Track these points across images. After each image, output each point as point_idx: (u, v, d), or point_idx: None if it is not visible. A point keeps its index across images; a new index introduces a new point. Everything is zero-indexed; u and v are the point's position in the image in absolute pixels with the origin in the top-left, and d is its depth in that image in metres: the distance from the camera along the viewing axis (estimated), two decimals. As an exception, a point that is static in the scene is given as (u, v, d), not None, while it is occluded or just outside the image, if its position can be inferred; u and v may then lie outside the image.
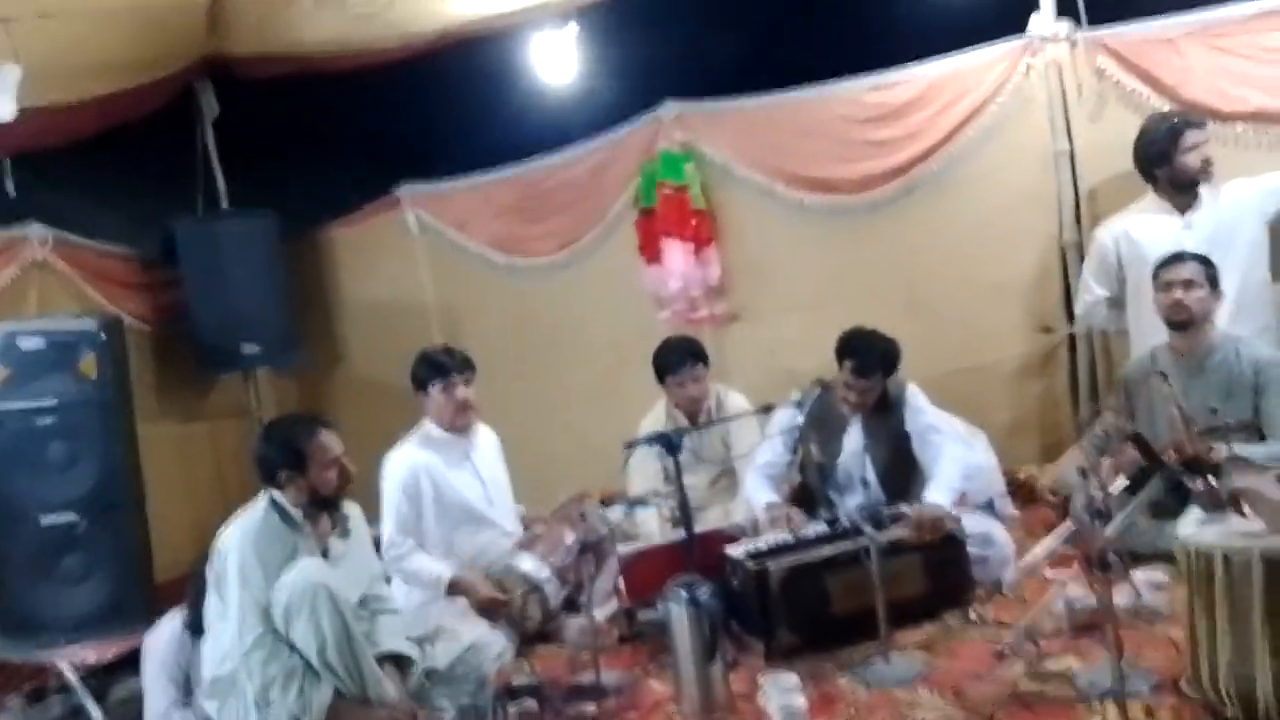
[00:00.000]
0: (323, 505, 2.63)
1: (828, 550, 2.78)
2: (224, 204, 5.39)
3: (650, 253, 4.47)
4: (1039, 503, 3.66)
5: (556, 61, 4.55)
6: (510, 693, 2.66)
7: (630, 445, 3.08)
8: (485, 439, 3.51)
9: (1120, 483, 2.26)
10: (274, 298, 5.07)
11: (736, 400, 3.88)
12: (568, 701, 2.62)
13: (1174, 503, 3.03)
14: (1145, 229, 3.49)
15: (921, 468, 3.30)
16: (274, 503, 2.55)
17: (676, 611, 2.46)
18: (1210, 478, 2.02)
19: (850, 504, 3.40)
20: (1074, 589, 2.83)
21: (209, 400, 5.45)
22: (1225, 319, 3.24)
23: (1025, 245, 4.08)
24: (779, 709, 2.27)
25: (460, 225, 5.05)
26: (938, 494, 3.05)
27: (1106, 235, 3.59)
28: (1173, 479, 2.07)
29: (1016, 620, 2.70)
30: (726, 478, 3.88)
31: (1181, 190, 3.45)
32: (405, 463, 3.27)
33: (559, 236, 4.82)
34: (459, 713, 2.60)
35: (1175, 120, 3.42)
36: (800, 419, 3.32)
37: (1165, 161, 3.41)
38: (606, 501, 3.41)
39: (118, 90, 4.38)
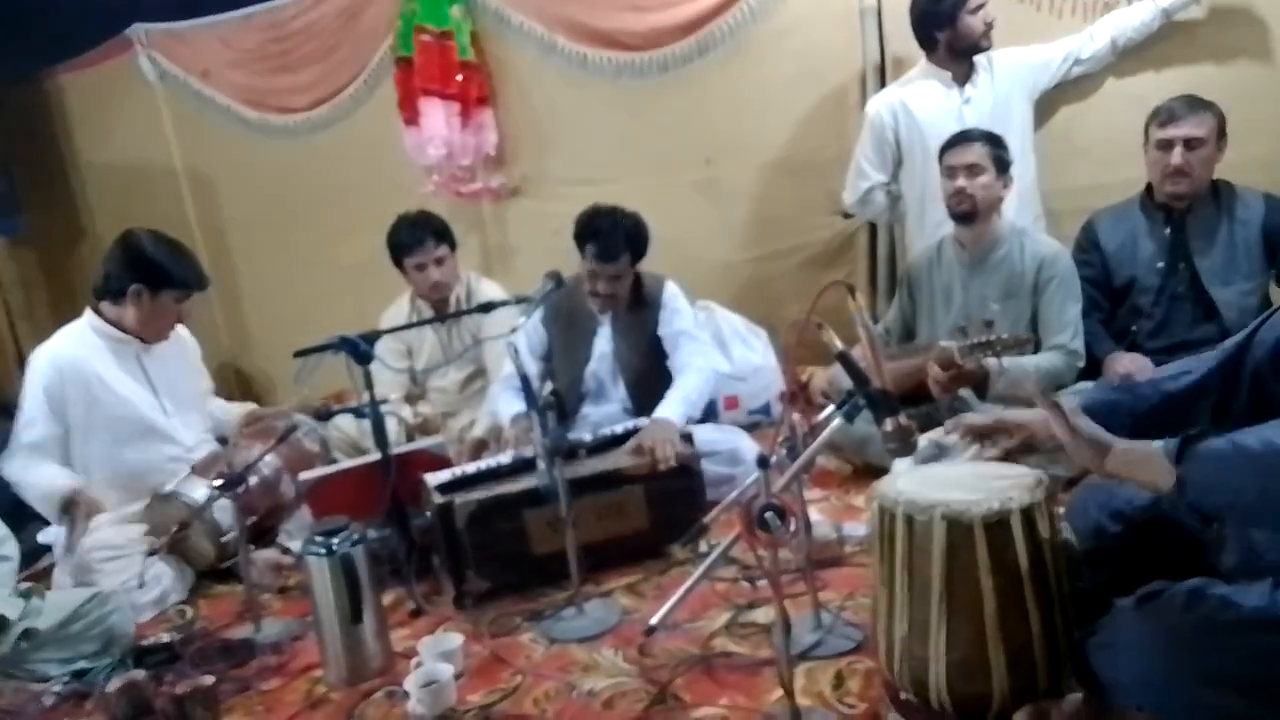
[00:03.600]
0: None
1: (528, 482, 2.37)
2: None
3: (409, 112, 3.85)
4: (814, 406, 3.34)
5: None
6: (140, 653, 2.22)
7: (302, 353, 2.56)
8: (168, 339, 2.93)
9: (829, 409, 1.89)
10: (-17, 157, 4.28)
11: (489, 289, 3.40)
12: (205, 662, 2.20)
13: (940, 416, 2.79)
14: (923, 102, 3.07)
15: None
16: None
17: (315, 564, 2.03)
18: (903, 417, 1.65)
19: (597, 415, 3.04)
20: (814, 516, 2.54)
21: (-71, 275, 4.70)
22: (1011, 209, 2.88)
23: (827, 115, 3.61)
24: (419, 682, 1.89)
25: (203, 74, 4.32)
26: (668, 408, 2.68)
27: (882, 109, 3.15)
28: (876, 408, 1.69)
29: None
30: (481, 378, 3.43)
31: (959, 58, 3.03)
32: (51, 360, 2.66)
33: (313, 91, 4.17)
34: (70, 680, 2.15)
35: None
36: (536, 325, 2.90)
37: (950, 23, 2.96)
38: (326, 412, 2.91)
39: None
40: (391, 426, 3.24)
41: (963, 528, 1.54)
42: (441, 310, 3.35)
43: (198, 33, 4.29)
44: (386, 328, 3.23)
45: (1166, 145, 2.72)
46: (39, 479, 2.62)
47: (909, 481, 1.70)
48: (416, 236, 3.23)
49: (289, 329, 4.14)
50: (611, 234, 2.82)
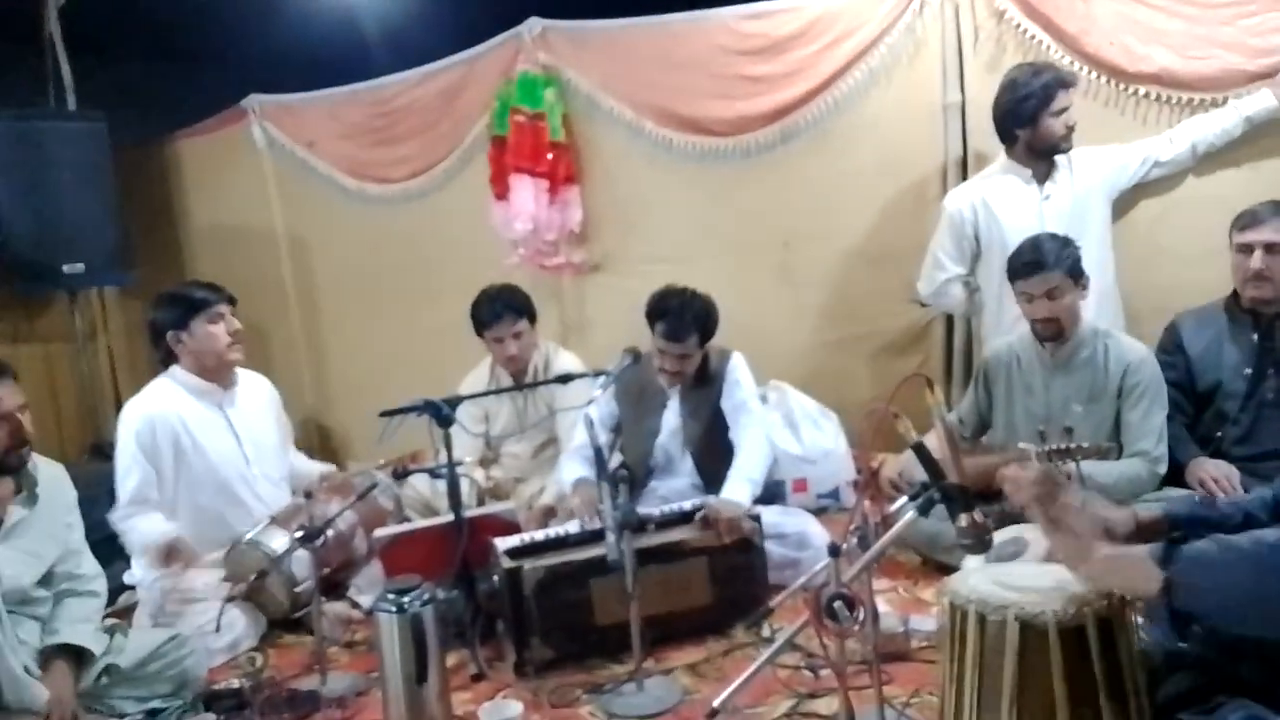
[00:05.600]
0: (-5, 468, 2.20)
1: (595, 551, 2.40)
2: (71, 103, 4.86)
3: (500, 188, 4.01)
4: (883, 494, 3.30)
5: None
6: (210, 697, 2.29)
7: (388, 414, 2.66)
8: (251, 390, 3.07)
9: (901, 500, 1.89)
10: (104, 211, 4.57)
11: (567, 360, 3.49)
12: (272, 711, 2.25)
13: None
14: (1003, 198, 3.09)
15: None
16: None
17: (385, 622, 2.08)
18: (978, 513, 1.64)
19: (665, 489, 3.06)
20: (881, 607, 2.50)
21: (43, 321, 5.00)
22: (1091, 309, 2.86)
23: (906, 207, 3.65)
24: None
25: (309, 144, 4.58)
26: (735, 490, 2.69)
27: (962, 203, 3.17)
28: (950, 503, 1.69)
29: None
30: (553, 446, 3.50)
31: (1039, 156, 3.05)
32: (142, 413, 2.81)
33: (410, 163, 4.36)
34: (144, 718, 2.23)
35: (1050, 76, 2.98)
36: (608, 398, 2.96)
37: (1031, 123, 2.99)
38: (403, 471, 2.99)
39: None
40: (464, 489, 3.32)
41: (1036, 631, 1.52)
42: (520, 379, 3.44)
43: (307, 106, 4.55)
44: (467, 393, 3.35)
45: (1246, 249, 2.70)
46: (142, 529, 2.74)
47: (982, 579, 1.68)
48: (496, 311, 3.34)
49: (371, 389, 4.30)
50: (680, 314, 2.89)
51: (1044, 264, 2.67)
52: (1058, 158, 3.05)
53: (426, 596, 2.11)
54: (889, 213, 3.70)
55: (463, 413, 3.37)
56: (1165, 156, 3.08)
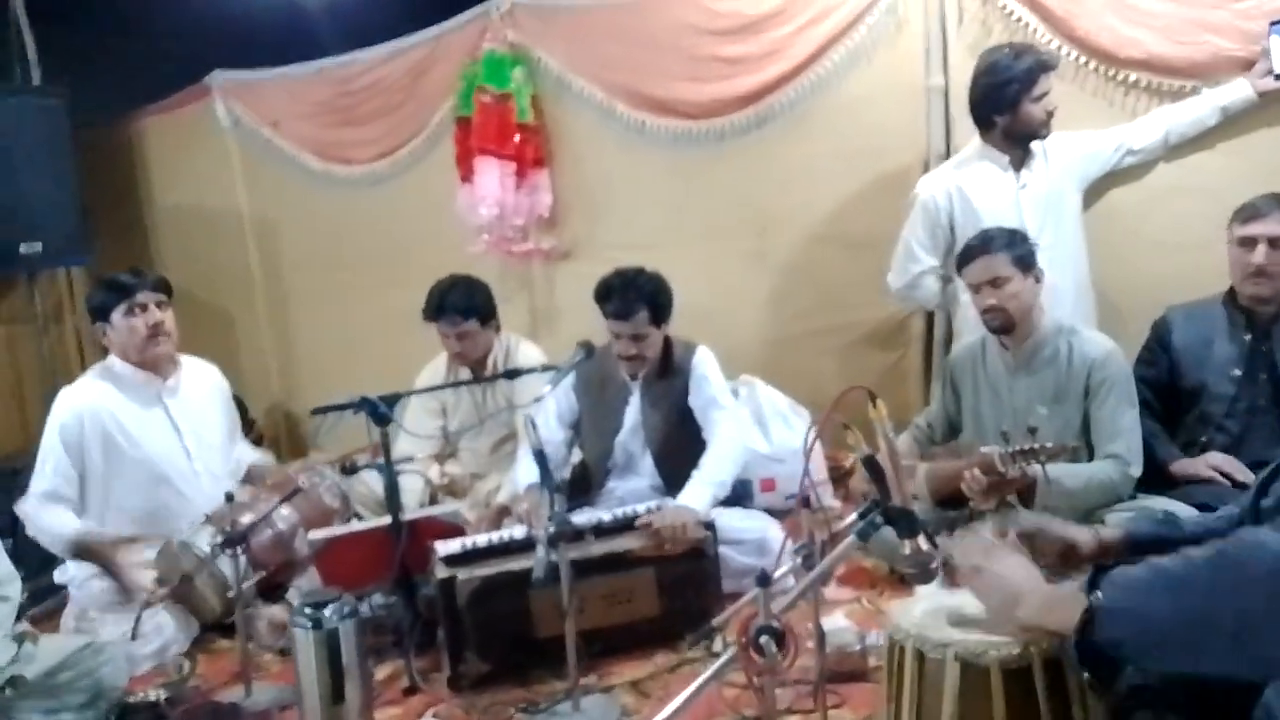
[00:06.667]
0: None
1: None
2: (36, 79, 4.72)
3: (465, 170, 3.86)
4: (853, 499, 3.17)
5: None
6: (124, 710, 2.17)
7: (319, 411, 2.53)
8: (195, 380, 2.92)
9: (851, 516, 1.76)
10: (63, 191, 4.42)
11: (528, 352, 3.35)
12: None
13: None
14: (979, 186, 2.93)
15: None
16: None
17: (300, 637, 1.95)
18: (923, 538, 1.51)
19: (624, 490, 2.93)
20: (838, 621, 2.38)
21: (4, 304, 4.86)
22: (1068, 306, 2.71)
23: (887, 193, 3.46)
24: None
25: (274, 124, 4.42)
26: (692, 494, 2.55)
27: (936, 192, 3.01)
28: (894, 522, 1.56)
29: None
30: (511, 441, 3.36)
31: (1016, 143, 2.90)
32: (70, 404, 2.67)
33: (377, 144, 4.22)
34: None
35: (1032, 59, 2.81)
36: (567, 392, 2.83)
37: (1012, 108, 2.83)
38: (352, 466, 2.86)
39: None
40: (418, 485, 3.22)
41: (978, 671, 1.39)
42: (479, 372, 3.31)
43: (271, 84, 4.40)
44: (421, 386, 3.25)
45: (1248, 243, 2.55)
46: (50, 522, 2.62)
47: (926, 611, 1.55)
48: (440, 309, 3.21)
49: (339, 375, 4.17)
50: (626, 292, 2.78)
51: (987, 249, 2.55)
52: (1034, 144, 2.90)
53: (346, 609, 1.98)
54: (869, 199, 3.54)
55: (418, 405, 3.27)
56: (1138, 144, 2.95)
